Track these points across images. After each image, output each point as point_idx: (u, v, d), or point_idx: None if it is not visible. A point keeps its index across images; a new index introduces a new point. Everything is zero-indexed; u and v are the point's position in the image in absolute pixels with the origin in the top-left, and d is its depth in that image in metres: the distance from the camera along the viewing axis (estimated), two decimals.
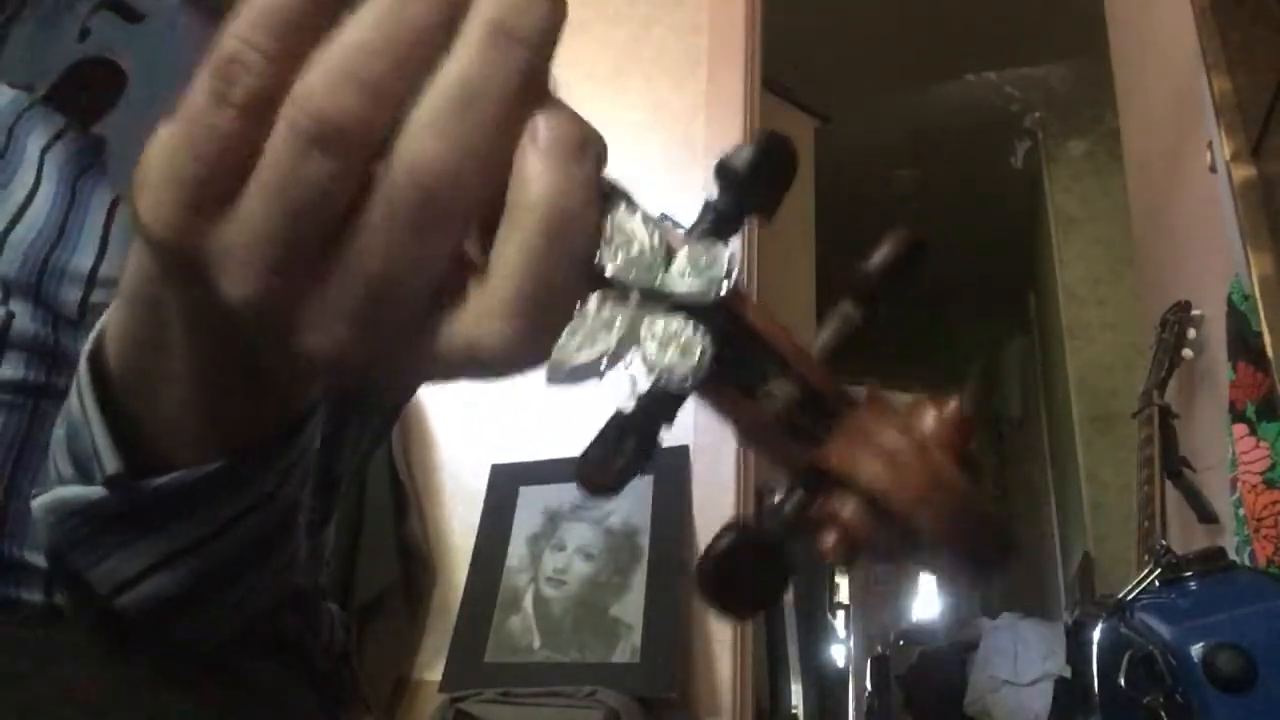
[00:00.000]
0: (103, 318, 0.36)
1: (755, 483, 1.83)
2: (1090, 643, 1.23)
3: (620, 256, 0.25)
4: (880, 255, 0.27)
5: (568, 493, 1.76)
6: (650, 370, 0.24)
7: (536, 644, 1.62)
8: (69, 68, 0.43)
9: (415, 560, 1.81)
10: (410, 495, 1.85)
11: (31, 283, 0.49)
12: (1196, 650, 1.02)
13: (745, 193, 0.26)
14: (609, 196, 0.26)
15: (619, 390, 0.26)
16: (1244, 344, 1.36)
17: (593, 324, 0.25)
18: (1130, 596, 1.20)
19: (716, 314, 0.25)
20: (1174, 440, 1.53)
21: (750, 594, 0.25)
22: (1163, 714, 1.03)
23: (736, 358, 0.25)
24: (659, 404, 0.25)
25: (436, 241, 0.24)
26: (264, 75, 0.24)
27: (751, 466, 1.81)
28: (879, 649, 5.02)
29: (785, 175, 0.26)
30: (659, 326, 0.25)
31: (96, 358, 0.36)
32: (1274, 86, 1.28)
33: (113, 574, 0.39)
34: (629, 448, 0.25)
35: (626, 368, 0.25)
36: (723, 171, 0.26)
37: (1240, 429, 1.36)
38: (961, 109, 4.08)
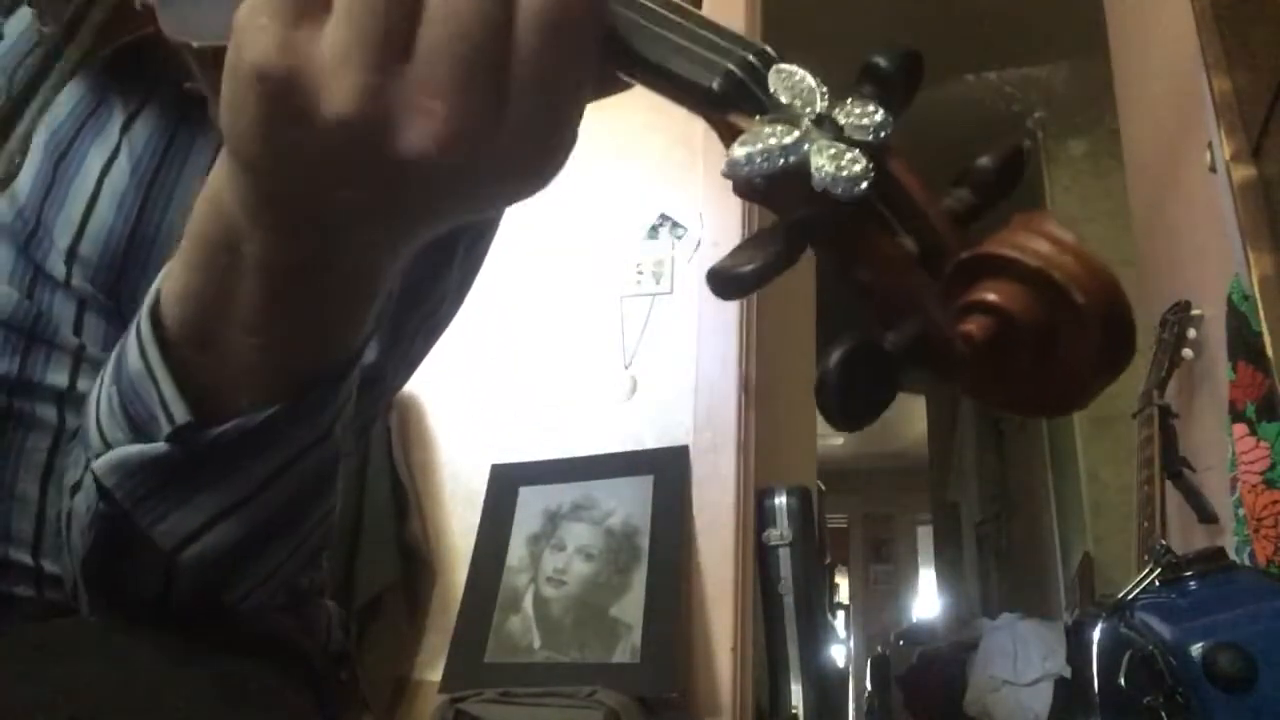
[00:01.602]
0: (155, 283, 0.38)
1: (755, 483, 1.83)
2: (1090, 643, 1.23)
3: (790, 89, 0.29)
4: (994, 154, 0.30)
5: (568, 493, 1.76)
6: (817, 177, 0.27)
7: (536, 644, 1.62)
8: None
9: (415, 561, 1.81)
10: (410, 496, 1.85)
11: (22, 235, 0.49)
12: (1196, 650, 1.02)
13: (890, 89, 0.29)
14: (765, 53, 0.30)
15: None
16: (1244, 344, 1.36)
17: (765, 131, 0.28)
18: (1130, 596, 1.20)
19: (877, 155, 0.28)
20: (1174, 440, 1.53)
21: (863, 403, 0.27)
22: (1163, 714, 1.03)
23: (886, 197, 0.28)
24: (811, 218, 0.28)
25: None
26: None
27: (751, 467, 1.81)
28: (879, 649, 5.02)
29: (917, 77, 0.30)
30: (829, 143, 0.28)
31: (155, 319, 0.37)
32: (1274, 86, 1.27)
33: (177, 528, 0.39)
34: (771, 249, 0.28)
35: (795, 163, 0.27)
36: (872, 70, 0.30)
37: (1240, 429, 1.36)
38: (961, 109, 4.08)
